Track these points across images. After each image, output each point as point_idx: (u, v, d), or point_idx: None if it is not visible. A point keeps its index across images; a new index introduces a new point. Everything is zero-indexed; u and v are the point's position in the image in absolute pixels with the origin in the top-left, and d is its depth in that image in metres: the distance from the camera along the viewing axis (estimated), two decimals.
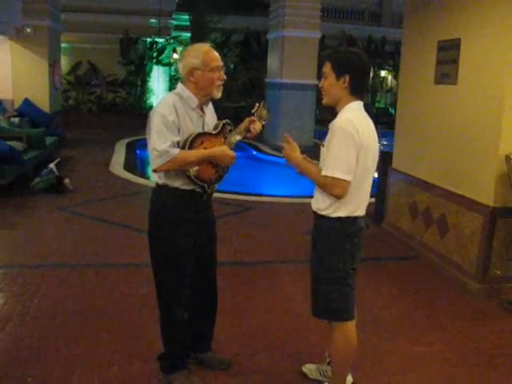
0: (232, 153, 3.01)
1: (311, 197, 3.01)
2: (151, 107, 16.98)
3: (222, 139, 3.07)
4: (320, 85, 2.90)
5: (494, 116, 4.59)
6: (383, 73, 23.61)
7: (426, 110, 5.75)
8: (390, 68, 23.16)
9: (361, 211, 2.88)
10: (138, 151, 12.75)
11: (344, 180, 2.70)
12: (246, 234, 6.37)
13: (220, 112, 3.08)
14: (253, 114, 3.20)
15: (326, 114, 20.01)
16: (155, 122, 2.88)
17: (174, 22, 18.91)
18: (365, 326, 3.66)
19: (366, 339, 3.53)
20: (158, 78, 18.22)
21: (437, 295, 4.77)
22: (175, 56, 19.04)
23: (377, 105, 23.32)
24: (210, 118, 3.15)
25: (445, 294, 4.80)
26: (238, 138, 3.11)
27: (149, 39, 18.09)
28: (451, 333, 4.06)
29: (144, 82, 18.10)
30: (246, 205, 7.77)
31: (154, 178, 3.12)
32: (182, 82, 3.05)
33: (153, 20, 17.97)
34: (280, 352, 3.65)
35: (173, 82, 19.11)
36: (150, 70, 18.06)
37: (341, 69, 2.78)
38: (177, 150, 2.86)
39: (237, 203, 7.76)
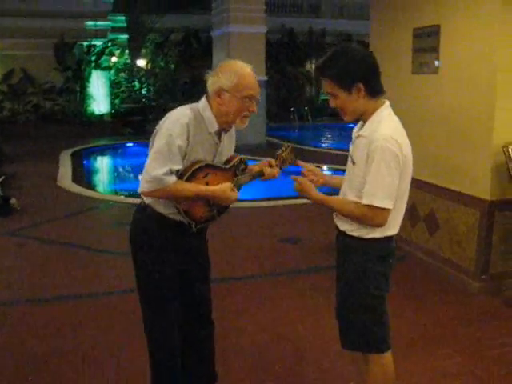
0: (235, 195, 2.55)
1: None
2: (92, 114, 16.31)
3: (231, 177, 2.62)
4: (331, 105, 2.44)
5: (485, 106, 4.34)
6: None
7: (404, 101, 5.43)
8: None
9: (396, 229, 2.50)
10: (85, 162, 12.08)
11: (386, 209, 2.32)
12: (218, 245, 5.90)
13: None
14: (277, 157, 2.78)
15: (273, 110, 19.84)
16: (160, 140, 2.41)
17: (111, 24, 18.09)
18: None
19: None
20: (97, 83, 17.37)
21: (437, 297, 4.49)
22: (114, 59, 18.26)
23: (321, 97, 23.24)
24: (226, 147, 2.67)
25: (444, 296, 4.52)
26: (249, 180, 2.70)
27: (85, 43, 17.21)
28: (465, 340, 3.77)
29: (83, 87, 17.19)
30: None
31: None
32: (206, 98, 2.56)
33: (88, 22, 17.10)
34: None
35: (113, 86, 18.34)
36: (89, 75, 17.16)
37: (348, 81, 2.33)
38: (172, 179, 2.39)
39: None
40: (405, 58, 5.34)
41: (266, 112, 14.25)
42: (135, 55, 19.12)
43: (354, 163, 2.45)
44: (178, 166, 2.42)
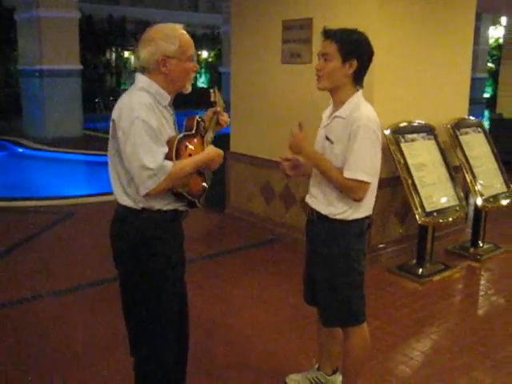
0: (222, 151, 2.48)
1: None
2: None
3: (201, 139, 2.50)
4: (318, 66, 2.54)
5: (363, 91, 4.75)
6: (126, 53, 23.04)
7: (270, 90, 5.69)
8: (132, 48, 22.72)
9: (371, 209, 2.69)
10: None
11: (367, 182, 2.48)
12: (88, 245, 5.56)
13: None
14: (214, 104, 2.63)
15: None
16: (135, 131, 2.18)
17: None
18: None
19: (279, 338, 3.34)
20: None
21: None
22: None
23: (122, 87, 22.74)
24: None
25: None
26: (212, 135, 2.58)
27: None
28: (376, 307, 4.10)
29: None
30: (64, 210, 6.81)
31: (122, 201, 2.34)
32: (142, 73, 2.35)
33: None
34: (248, 370, 3.28)
35: None
36: None
37: (349, 52, 2.47)
38: (170, 163, 2.22)
39: (51, 210, 6.79)
40: (273, 48, 5.58)
41: (82, 104, 13.39)
42: None
43: (332, 142, 2.56)
44: (166, 148, 2.27)
